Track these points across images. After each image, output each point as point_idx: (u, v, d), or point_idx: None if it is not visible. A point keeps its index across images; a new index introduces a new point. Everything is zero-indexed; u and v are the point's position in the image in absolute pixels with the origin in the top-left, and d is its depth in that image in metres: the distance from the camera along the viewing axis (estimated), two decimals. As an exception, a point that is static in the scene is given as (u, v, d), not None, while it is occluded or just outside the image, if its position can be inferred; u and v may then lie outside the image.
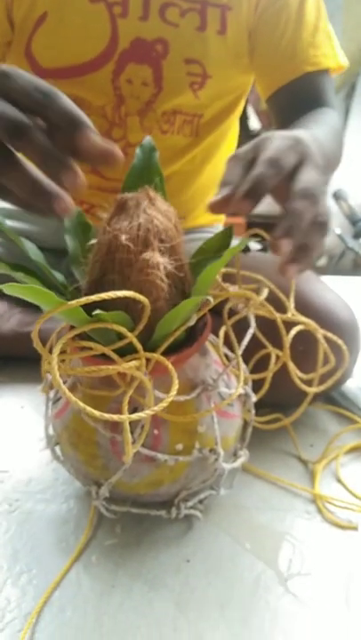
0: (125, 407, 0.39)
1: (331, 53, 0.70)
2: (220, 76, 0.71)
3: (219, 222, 0.91)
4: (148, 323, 0.42)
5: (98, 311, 0.37)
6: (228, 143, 0.83)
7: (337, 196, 1.56)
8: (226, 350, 0.51)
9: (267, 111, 3.15)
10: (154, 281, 0.41)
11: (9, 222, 0.81)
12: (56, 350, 0.38)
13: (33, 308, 0.77)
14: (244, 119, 2.96)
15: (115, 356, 0.40)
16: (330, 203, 1.92)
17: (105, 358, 0.41)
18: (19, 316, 0.74)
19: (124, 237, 0.41)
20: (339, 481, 0.56)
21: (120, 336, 0.41)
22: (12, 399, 0.68)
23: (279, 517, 0.51)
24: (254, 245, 0.74)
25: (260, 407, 0.52)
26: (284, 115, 0.72)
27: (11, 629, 0.41)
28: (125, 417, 0.37)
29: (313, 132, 0.53)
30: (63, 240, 0.49)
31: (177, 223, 0.44)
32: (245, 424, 0.52)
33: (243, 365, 0.49)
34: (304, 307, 0.54)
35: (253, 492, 0.54)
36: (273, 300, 0.55)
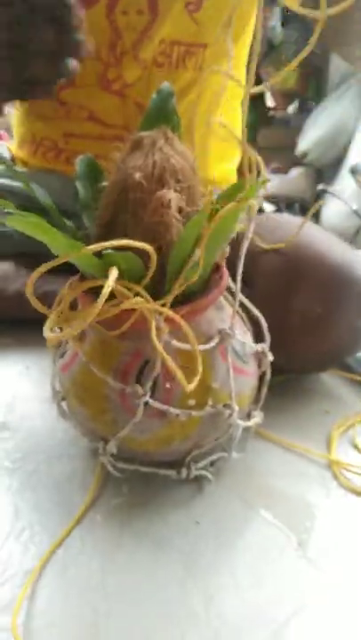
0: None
1: None
2: None
3: (230, 182, 0.88)
4: (161, 269, 0.40)
5: (109, 251, 0.34)
6: (235, 85, 0.79)
7: (354, 171, 1.52)
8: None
9: (279, 90, 3.09)
10: (169, 222, 0.38)
11: (6, 181, 0.79)
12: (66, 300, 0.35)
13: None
14: (261, 97, 2.91)
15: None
16: (346, 177, 1.85)
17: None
18: (25, 278, 0.72)
19: (137, 175, 0.39)
20: (356, 447, 0.53)
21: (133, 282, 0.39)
22: (18, 360, 0.67)
23: (294, 483, 0.49)
24: (268, 207, 0.71)
25: (276, 374, 0.50)
26: None
27: (11, 584, 0.39)
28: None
29: None
30: (66, 202, 0.47)
31: (194, 165, 0.42)
32: (261, 384, 0.49)
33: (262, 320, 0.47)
34: (320, 262, 0.52)
35: (267, 458, 0.52)
36: (288, 261, 0.53)
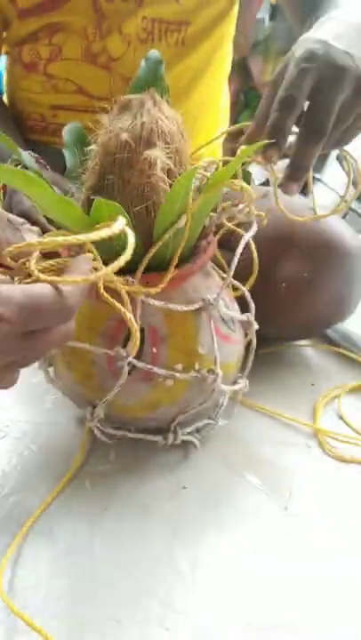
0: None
1: None
2: None
3: (214, 156, 0.88)
4: (149, 233, 0.40)
5: (98, 198, 0.34)
6: (219, 64, 0.80)
7: (340, 159, 1.54)
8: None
9: (268, 83, 3.10)
10: (156, 183, 0.38)
11: None
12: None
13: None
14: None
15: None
16: (334, 165, 1.86)
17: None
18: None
19: (125, 135, 0.38)
20: (341, 418, 0.54)
21: (117, 252, 0.39)
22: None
23: (279, 450, 0.50)
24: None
25: (264, 342, 0.50)
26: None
27: (-2, 546, 0.39)
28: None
29: (334, 17, 0.50)
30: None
31: (183, 130, 0.41)
32: (247, 353, 0.50)
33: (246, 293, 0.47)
34: (316, 234, 0.52)
35: (253, 426, 0.52)
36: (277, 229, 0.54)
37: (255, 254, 0.48)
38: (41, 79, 0.74)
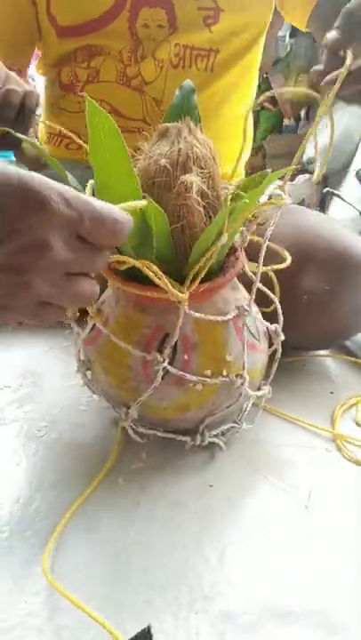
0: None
1: None
2: (232, 8, 0.73)
3: (238, 178, 0.91)
4: (183, 249, 0.44)
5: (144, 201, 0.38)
6: (245, 88, 0.84)
7: (360, 175, 1.56)
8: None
9: (288, 100, 3.12)
10: (191, 205, 0.42)
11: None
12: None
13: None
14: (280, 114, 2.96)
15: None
16: (352, 181, 1.90)
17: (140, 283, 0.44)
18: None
19: (163, 161, 0.42)
20: (358, 424, 0.57)
21: (157, 258, 0.43)
22: (40, 342, 0.70)
23: (300, 453, 0.53)
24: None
25: (285, 349, 0.53)
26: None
27: (39, 537, 0.43)
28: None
29: None
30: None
31: (215, 154, 0.45)
32: (271, 361, 0.53)
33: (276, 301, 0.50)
34: (329, 247, 0.56)
35: (275, 430, 0.56)
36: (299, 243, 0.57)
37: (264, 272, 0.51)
38: (78, 100, 0.78)
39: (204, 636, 0.36)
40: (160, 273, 0.40)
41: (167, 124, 0.44)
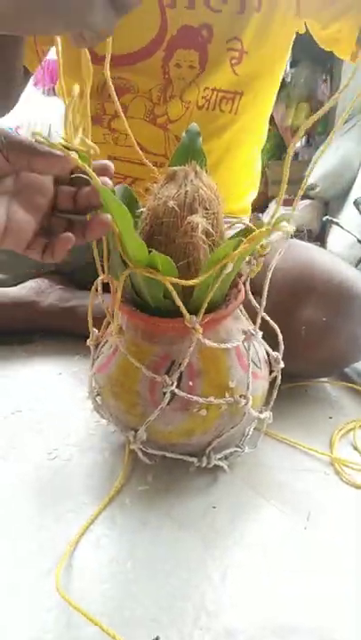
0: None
1: None
2: (255, 53, 0.77)
3: (245, 214, 0.95)
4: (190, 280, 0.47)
5: (153, 252, 0.41)
6: (260, 130, 0.88)
7: (357, 203, 1.61)
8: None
9: (289, 127, 3.17)
10: (196, 243, 0.46)
11: None
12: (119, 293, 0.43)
13: (72, 286, 0.82)
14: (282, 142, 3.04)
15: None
16: (352, 208, 1.94)
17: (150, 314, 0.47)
18: (59, 292, 0.79)
19: (171, 203, 0.46)
20: (355, 449, 0.59)
21: (165, 295, 0.46)
22: (51, 367, 0.73)
23: (299, 476, 0.55)
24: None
25: (285, 376, 0.56)
26: None
27: (53, 553, 0.45)
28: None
29: None
30: None
31: (218, 195, 0.49)
32: (271, 388, 0.55)
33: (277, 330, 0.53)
34: (326, 280, 0.59)
35: (275, 454, 0.58)
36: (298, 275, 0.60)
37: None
38: (104, 131, 0.82)
39: (208, 651, 0.38)
40: (180, 302, 0.43)
41: (175, 168, 0.48)
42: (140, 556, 0.45)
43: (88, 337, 0.56)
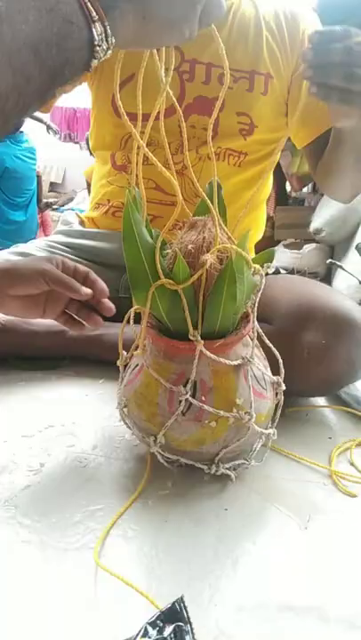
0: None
1: None
2: (264, 128, 0.91)
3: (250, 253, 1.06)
4: (203, 311, 0.56)
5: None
6: (263, 182, 1.00)
7: (359, 248, 1.71)
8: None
9: (295, 174, 3.33)
10: (209, 277, 0.55)
11: (80, 241, 0.98)
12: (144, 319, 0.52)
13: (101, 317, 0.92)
14: (282, 182, 3.20)
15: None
16: (354, 254, 2.05)
17: (170, 337, 0.56)
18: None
19: (190, 246, 0.56)
20: (352, 464, 0.66)
21: (184, 319, 0.55)
22: (78, 389, 0.82)
23: (301, 486, 0.62)
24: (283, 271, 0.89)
25: (288, 397, 0.64)
26: (319, 155, 0.92)
27: (87, 545, 0.52)
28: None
29: None
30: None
31: (232, 239, 0.58)
32: (276, 408, 0.63)
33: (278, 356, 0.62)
34: (325, 308, 0.68)
35: (280, 467, 0.65)
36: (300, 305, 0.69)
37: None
38: (128, 177, 0.94)
39: (223, 622, 0.45)
40: (188, 315, 0.53)
41: (196, 218, 0.58)
42: (162, 547, 0.52)
43: (112, 363, 0.65)
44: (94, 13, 0.38)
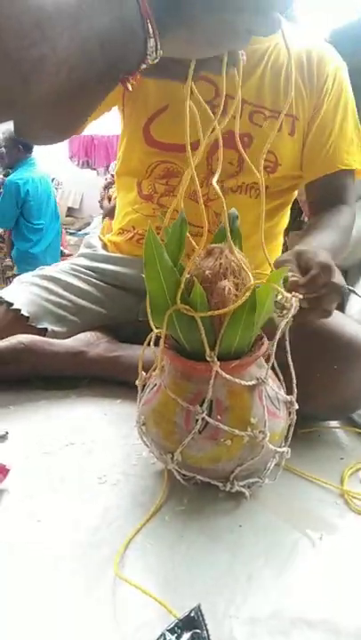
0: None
1: (359, 160, 0.96)
2: (287, 166, 0.95)
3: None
4: (219, 333, 0.59)
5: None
6: (282, 214, 1.05)
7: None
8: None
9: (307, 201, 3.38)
10: (225, 300, 0.58)
11: (103, 265, 1.02)
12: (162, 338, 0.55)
13: (116, 339, 0.95)
14: (296, 207, 3.25)
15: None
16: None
17: (188, 358, 0.59)
18: (105, 344, 0.91)
19: (207, 272, 0.59)
20: (363, 484, 0.68)
21: (201, 340, 0.58)
22: (97, 409, 0.84)
23: (314, 505, 0.64)
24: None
25: (301, 419, 0.66)
26: (315, 201, 0.99)
27: (106, 558, 0.54)
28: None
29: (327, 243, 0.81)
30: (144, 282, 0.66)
31: (247, 266, 0.61)
32: (289, 428, 0.65)
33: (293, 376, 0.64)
34: (339, 336, 0.70)
35: (293, 486, 0.67)
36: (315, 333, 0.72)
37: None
38: (154, 207, 0.98)
39: (237, 633, 0.46)
40: (204, 338, 0.57)
41: (213, 245, 0.61)
42: (178, 561, 0.54)
43: (130, 383, 0.68)
44: (151, 32, 0.46)
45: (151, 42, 0.47)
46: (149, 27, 0.46)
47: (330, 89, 0.94)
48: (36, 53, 0.40)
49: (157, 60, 0.49)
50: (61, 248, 4.04)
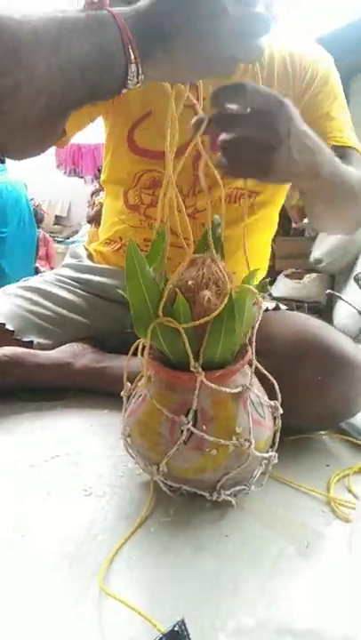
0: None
1: (353, 140, 0.92)
2: None
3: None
4: (203, 343, 0.59)
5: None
6: (270, 224, 1.04)
7: (357, 279, 1.74)
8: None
9: (294, 207, 3.41)
10: (207, 309, 0.58)
11: (88, 276, 1.01)
12: (147, 350, 0.55)
13: (102, 350, 0.94)
14: (284, 213, 3.27)
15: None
16: (354, 283, 2.09)
17: (172, 368, 0.59)
18: (91, 355, 0.91)
19: (190, 282, 0.59)
20: (350, 491, 0.68)
21: (185, 351, 0.58)
22: (83, 420, 0.84)
23: (300, 512, 0.64)
24: (282, 307, 0.91)
25: (288, 431, 0.66)
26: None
27: (92, 571, 0.54)
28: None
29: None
30: None
31: (229, 276, 0.62)
32: (274, 435, 0.65)
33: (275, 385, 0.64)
34: (321, 346, 0.70)
35: (280, 494, 0.67)
36: (297, 342, 0.72)
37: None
38: (140, 218, 0.97)
39: (222, 645, 0.46)
40: (188, 349, 0.56)
41: (195, 255, 0.61)
42: (164, 572, 0.54)
43: (116, 394, 0.68)
44: (133, 58, 0.46)
45: (132, 67, 0.47)
46: (131, 53, 0.46)
47: (312, 82, 0.92)
48: (10, 81, 0.40)
49: (139, 85, 0.49)
50: (37, 264, 3.67)
